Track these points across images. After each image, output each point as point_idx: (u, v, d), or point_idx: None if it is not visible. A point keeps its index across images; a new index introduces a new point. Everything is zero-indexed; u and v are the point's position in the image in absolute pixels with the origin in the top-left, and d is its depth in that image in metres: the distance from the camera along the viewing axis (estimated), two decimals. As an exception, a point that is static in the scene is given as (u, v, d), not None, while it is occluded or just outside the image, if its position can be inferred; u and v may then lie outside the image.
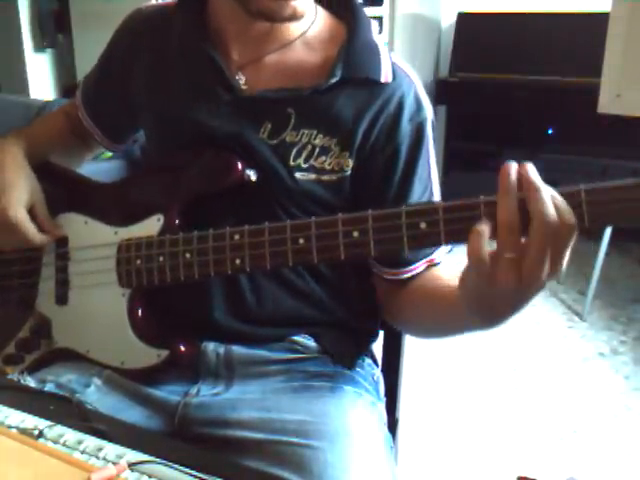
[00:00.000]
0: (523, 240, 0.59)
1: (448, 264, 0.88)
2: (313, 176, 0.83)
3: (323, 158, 0.83)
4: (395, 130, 0.84)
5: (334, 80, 0.82)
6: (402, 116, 0.84)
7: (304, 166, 0.83)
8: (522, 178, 0.59)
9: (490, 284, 0.60)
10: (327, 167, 0.83)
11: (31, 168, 0.94)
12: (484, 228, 0.60)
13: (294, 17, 0.80)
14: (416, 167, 0.86)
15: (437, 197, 0.89)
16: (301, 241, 0.72)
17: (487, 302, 0.64)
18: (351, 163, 0.84)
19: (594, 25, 2.75)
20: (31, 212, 0.91)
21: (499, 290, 0.60)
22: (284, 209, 0.84)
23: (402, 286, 0.88)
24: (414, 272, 0.87)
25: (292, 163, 0.83)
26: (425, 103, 0.87)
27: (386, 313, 0.94)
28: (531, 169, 0.59)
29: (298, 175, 0.83)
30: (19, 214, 0.89)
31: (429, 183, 0.88)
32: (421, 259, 0.86)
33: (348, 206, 0.84)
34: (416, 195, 0.86)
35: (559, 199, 0.59)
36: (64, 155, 1.04)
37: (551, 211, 0.58)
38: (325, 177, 0.84)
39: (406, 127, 0.84)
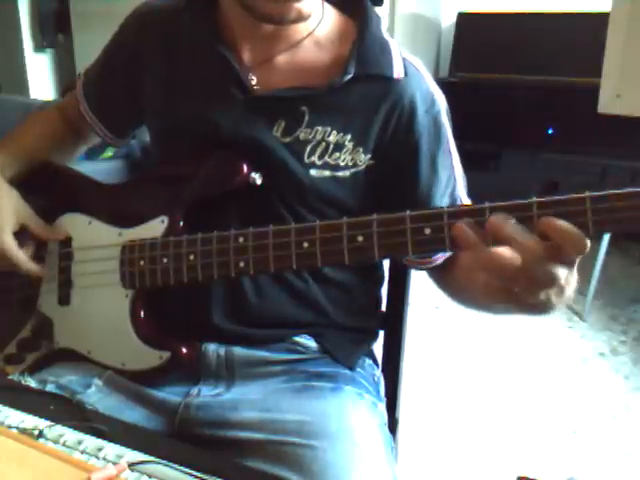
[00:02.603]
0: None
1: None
2: (328, 173, 0.83)
3: (337, 154, 0.83)
4: (412, 124, 0.84)
5: (348, 77, 0.82)
6: (417, 110, 0.84)
7: (319, 163, 0.83)
8: (491, 229, 0.59)
9: (519, 305, 0.64)
10: (341, 163, 0.84)
11: (26, 172, 0.94)
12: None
13: (300, 19, 0.80)
14: (438, 157, 0.86)
15: (460, 182, 0.90)
16: (305, 245, 0.72)
17: (528, 310, 0.66)
18: (364, 158, 0.84)
19: (594, 25, 2.75)
20: (24, 230, 0.91)
21: (529, 304, 0.64)
22: (293, 211, 0.84)
23: (440, 270, 0.88)
24: (440, 260, 0.87)
25: (307, 160, 0.83)
26: (437, 94, 0.88)
27: (441, 290, 0.93)
28: (492, 218, 0.59)
29: (313, 172, 0.83)
30: (7, 241, 0.88)
31: (452, 171, 0.88)
32: None
33: (361, 206, 0.85)
34: (442, 184, 0.87)
35: (568, 230, 0.57)
36: (59, 151, 1.03)
37: (539, 253, 0.58)
38: (339, 173, 0.84)
39: (423, 119, 0.85)
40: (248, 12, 0.81)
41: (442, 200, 0.87)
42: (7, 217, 0.89)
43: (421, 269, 0.92)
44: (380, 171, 0.85)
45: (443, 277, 0.90)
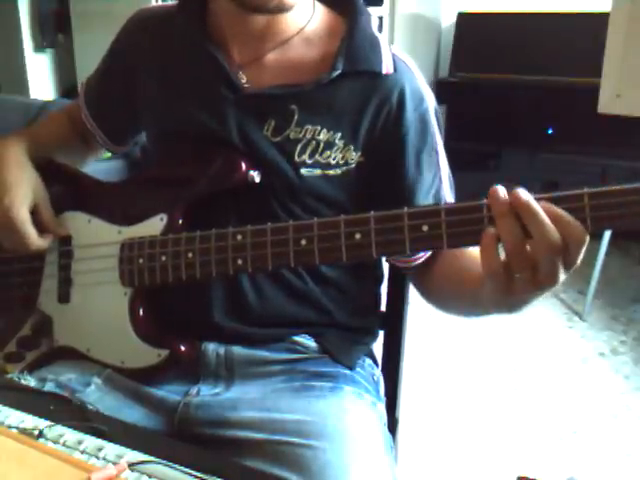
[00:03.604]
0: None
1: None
2: (319, 171, 0.83)
3: (328, 153, 0.83)
4: (401, 118, 0.84)
5: (336, 73, 0.82)
6: (406, 106, 0.84)
7: (309, 162, 0.83)
8: (516, 203, 0.60)
9: (508, 294, 0.63)
10: (332, 162, 0.84)
11: (35, 167, 0.94)
12: (492, 243, 0.61)
13: (283, 9, 0.80)
14: (424, 155, 0.86)
15: (446, 183, 0.90)
16: (303, 242, 0.72)
17: (506, 304, 0.67)
18: (355, 155, 0.84)
19: (594, 25, 2.74)
20: (34, 211, 0.91)
21: (517, 296, 0.64)
22: (287, 209, 0.84)
23: (421, 270, 0.89)
24: (423, 259, 0.87)
25: (297, 159, 0.83)
26: (426, 92, 0.88)
27: (420, 294, 0.94)
28: (522, 192, 0.60)
29: (303, 171, 0.83)
30: (22, 214, 0.88)
31: (437, 170, 0.88)
32: None
33: (353, 203, 0.85)
34: (427, 183, 0.87)
35: (565, 217, 0.59)
36: (67, 155, 1.04)
37: (553, 233, 0.59)
38: (330, 172, 0.84)
39: (411, 116, 0.85)
40: (235, 3, 0.81)
41: (426, 199, 0.87)
42: (27, 194, 0.90)
43: (404, 268, 0.91)
44: (369, 167, 0.85)
45: (425, 278, 0.89)
